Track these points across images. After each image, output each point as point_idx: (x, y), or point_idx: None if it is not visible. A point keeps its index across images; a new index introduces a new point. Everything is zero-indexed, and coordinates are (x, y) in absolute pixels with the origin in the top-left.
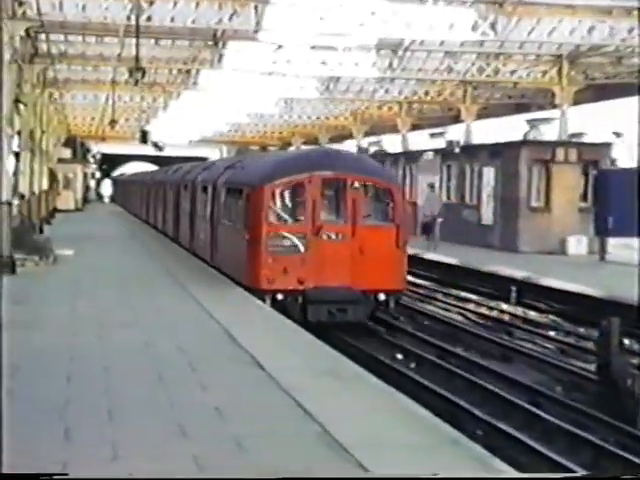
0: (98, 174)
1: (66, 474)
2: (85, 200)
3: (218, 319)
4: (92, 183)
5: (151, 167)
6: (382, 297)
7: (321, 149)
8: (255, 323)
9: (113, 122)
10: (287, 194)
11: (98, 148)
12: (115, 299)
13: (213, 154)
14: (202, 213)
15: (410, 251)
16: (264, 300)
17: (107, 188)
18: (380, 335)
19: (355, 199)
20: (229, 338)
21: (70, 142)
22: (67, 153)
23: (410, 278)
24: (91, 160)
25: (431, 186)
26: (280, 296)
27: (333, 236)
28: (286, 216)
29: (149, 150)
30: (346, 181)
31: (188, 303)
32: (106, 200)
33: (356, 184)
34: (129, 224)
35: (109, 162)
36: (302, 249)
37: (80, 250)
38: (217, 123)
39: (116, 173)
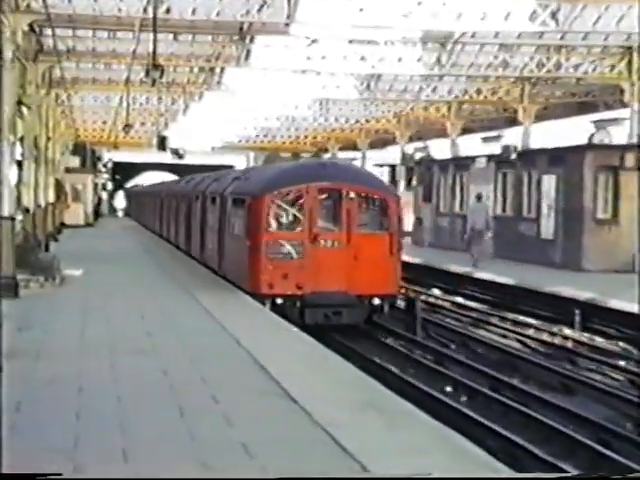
0: (110, 185)
1: (60, 474)
2: (96, 214)
3: (247, 348)
4: (104, 195)
5: (169, 177)
6: (377, 301)
7: (319, 161)
8: (283, 348)
9: (127, 127)
10: (286, 203)
11: (110, 156)
12: (128, 323)
13: (239, 162)
14: (211, 223)
15: (458, 269)
16: (264, 304)
17: (121, 200)
18: (428, 365)
19: (350, 208)
20: (255, 364)
21: (79, 150)
22: (76, 162)
23: (460, 300)
24: (102, 169)
25: (478, 197)
26: (279, 300)
27: (329, 243)
28: (285, 224)
29: (167, 158)
30: (342, 191)
31: (211, 326)
32: (120, 214)
33: (352, 194)
34: (144, 240)
35: (123, 172)
36: (300, 256)
37: (90, 270)
38: (244, 127)
39: (130, 184)
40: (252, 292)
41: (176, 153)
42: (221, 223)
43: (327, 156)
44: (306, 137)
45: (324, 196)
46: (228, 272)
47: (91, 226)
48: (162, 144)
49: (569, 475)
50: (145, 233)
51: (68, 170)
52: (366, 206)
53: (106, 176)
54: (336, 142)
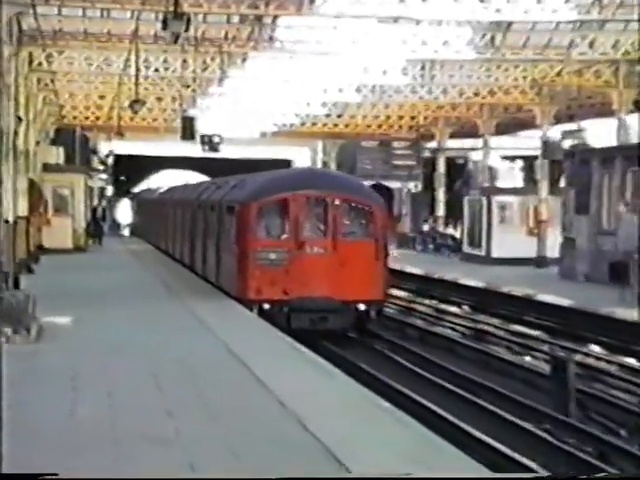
0: (111, 190)
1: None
2: (90, 233)
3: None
4: (101, 205)
5: (198, 178)
6: (362, 307)
7: (307, 169)
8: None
9: (136, 104)
10: (273, 211)
11: (111, 147)
12: (138, 398)
13: (300, 154)
14: (211, 233)
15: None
16: (252, 309)
17: (126, 212)
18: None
19: (336, 216)
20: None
21: (65, 137)
22: (59, 155)
23: (633, 362)
24: (100, 167)
25: (626, 204)
26: (267, 306)
27: (315, 250)
28: (272, 231)
29: (196, 150)
30: (327, 199)
31: (254, 399)
32: (125, 231)
33: (337, 202)
34: (161, 271)
35: (129, 170)
36: (287, 262)
37: (81, 317)
38: (307, 103)
39: (141, 188)
40: (240, 298)
41: (209, 143)
42: (218, 234)
43: (431, 145)
44: (401, 118)
45: (310, 204)
46: (222, 282)
47: (82, 251)
48: (188, 130)
49: (540, 475)
50: (163, 260)
51: (48, 168)
52: (352, 214)
53: (105, 177)
54: (445, 125)
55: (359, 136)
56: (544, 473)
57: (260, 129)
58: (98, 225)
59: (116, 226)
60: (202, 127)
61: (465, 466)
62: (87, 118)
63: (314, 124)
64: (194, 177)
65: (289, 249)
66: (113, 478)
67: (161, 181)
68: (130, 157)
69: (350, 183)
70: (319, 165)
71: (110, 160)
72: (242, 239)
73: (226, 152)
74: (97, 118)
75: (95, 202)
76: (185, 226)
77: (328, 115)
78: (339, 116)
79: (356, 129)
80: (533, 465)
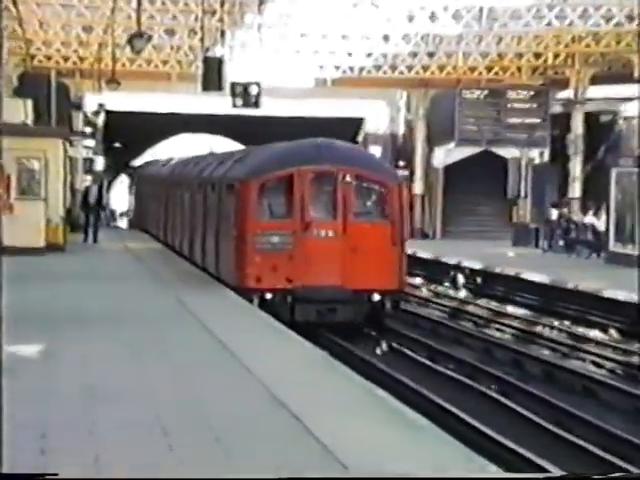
0: (101, 162)
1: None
2: (72, 223)
3: None
4: (86, 182)
5: (227, 145)
6: (376, 297)
7: (313, 141)
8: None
9: (138, 39)
10: (276, 189)
11: (101, 101)
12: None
13: (374, 110)
14: (210, 217)
15: None
16: (251, 300)
17: (122, 195)
18: None
19: (347, 194)
20: None
21: (33, 86)
22: (26, 112)
23: None
24: (85, 129)
25: None
26: (268, 295)
27: (323, 233)
28: (275, 212)
29: (224, 105)
30: (337, 175)
31: None
32: (121, 223)
33: (348, 178)
34: (176, 284)
35: (128, 134)
36: (291, 247)
37: (55, 347)
38: (383, 37)
39: (144, 159)
40: (238, 287)
41: (243, 96)
42: (218, 217)
43: (563, 95)
44: (520, 56)
45: (318, 180)
46: (221, 271)
47: (60, 250)
48: (214, 76)
49: (554, 475)
50: (180, 268)
51: (10, 129)
52: (365, 192)
53: (92, 142)
54: (585, 65)
55: (459, 84)
56: (545, 474)
57: (316, 75)
58: (96, 214)
59: (109, 214)
60: (233, 73)
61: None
62: (66, 59)
63: (394, 68)
64: (220, 144)
65: (294, 231)
66: (113, 478)
67: (174, 150)
68: (128, 115)
69: (364, 156)
70: (401, 125)
71: (100, 120)
72: (240, 221)
73: (268, 108)
74: (81, 59)
75: (86, 180)
76: (184, 210)
77: (414, 54)
78: (430, 55)
79: (455, 74)
80: None
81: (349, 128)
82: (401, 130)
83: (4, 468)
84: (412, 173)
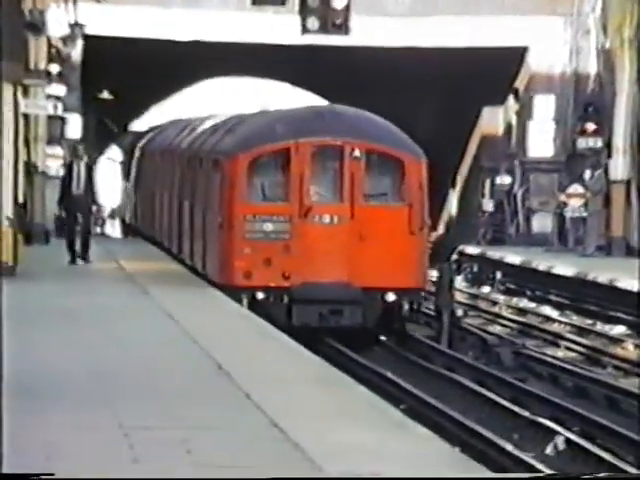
0: (79, 124)
1: (52, 474)
2: (27, 229)
3: None
4: (58, 161)
5: (296, 99)
6: (391, 297)
7: (315, 107)
8: None
9: None
10: (269, 165)
11: (77, 18)
12: None
13: (548, 31)
14: (197, 201)
15: None
16: (240, 301)
17: (111, 179)
18: None
19: (355, 172)
20: None
21: None
22: None
23: None
24: (51, 66)
25: None
26: (260, 294)
27: (326, 219)
28: (268, 193)
29: (288, 30)
30: (343, 149)
31: None
32: (113, 230)
33: (356, 152)
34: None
35: (122, 75)
36: (287, 235)
37: None
38: None
39: (151, 121)
40: (224, 284)
41: (321, 12)
42: (205, 200)
43: None
44: None
45: (320, 155)
46: (207, 267)
47: (8, 273)
48: None
49: (540, 475)
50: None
51: None
52: (377, 169)
53: (62, 90)
54: None
55: None
56: (544, 473)
57: None
58: (86, 213)
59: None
60: None
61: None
62: None
63: None
64: (281, 98)
65: (291, 217)
66: (113, 478)
67: (201, 106)
68: (123, 44)
69: (375, 126)
70: (592, 59)
71: (76, 51)
72: (226, 203)
73: (363, 34)
74: None
75: (54, 154)
76: (172, 193)
77: None
78: None
79: None
80: None
81: (501, 66)
82: (592, 68)
83: (4, 468)
84: (609, 143)
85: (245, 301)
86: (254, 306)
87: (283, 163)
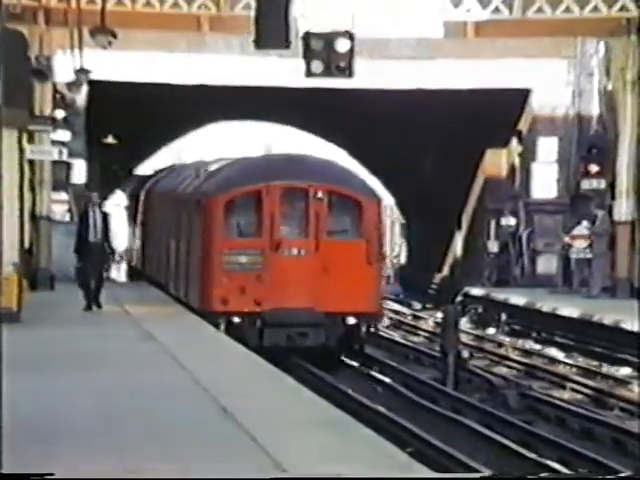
0: (84, 169)
1: (52, 474)
2: (32, 275)
3: None
4: (64, 206)
5: (300, 141)
6: (352, 321)
7: (283, 155)
8: None
9: None
10: (244, 205)
11: (82, 64)
12: None
13: (551, 74)
14: (182, 237)
15: None
16: (218, 325)
17: (118, 223)
18: None
19: (319, 211)
20: None
21: None
22: None
23: None
24: (56, 112)
25: None
26: (236, 319)
27: (294, 252)
28: (243, 230)
29: (292, 73)
30: (308, 191)
31: None
32: (118, 272)
33: (319, 194)
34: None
35: (127, 120)
36: (259, 267)
37: None
38: None
39: (156, 165)
40: (204, 310)
41: (324, 56)
42: (188, 236)
43: None
44: None
45: (288, 197)
46: (189, 295)
47: (13, 319)
48: (274, 24)
49: (485, 475)
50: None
51: None
52: (338, 209)
53: (67, 135)
54: None
55: None
56: (547, 474)
57: (448, 17)
58: (101, 260)
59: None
60: (308, 18)
61: None
62: None
63: (582, 1)
64: (286, 141)
65: (263, 250)
66: (113, 478)
67: (206, 149)
68: (128, 89)
69: (337, 171)
70: (595, 101)
71: (81, 97)
72: (206, 239)
73: (366, 77)
74: None
75: (59, 199)
76: (168, 233)
77: None
78: None
79: None
80: None
81: (504, 108)
82: (595, 110)
83: (4, 468)
84: (613, 184)
85: (222, 325)
86: (230, 329)
87: (256, 203)
